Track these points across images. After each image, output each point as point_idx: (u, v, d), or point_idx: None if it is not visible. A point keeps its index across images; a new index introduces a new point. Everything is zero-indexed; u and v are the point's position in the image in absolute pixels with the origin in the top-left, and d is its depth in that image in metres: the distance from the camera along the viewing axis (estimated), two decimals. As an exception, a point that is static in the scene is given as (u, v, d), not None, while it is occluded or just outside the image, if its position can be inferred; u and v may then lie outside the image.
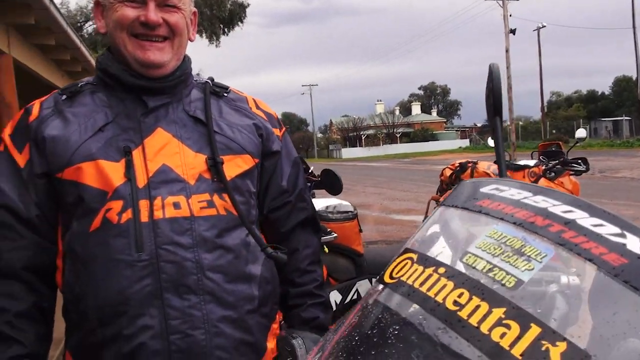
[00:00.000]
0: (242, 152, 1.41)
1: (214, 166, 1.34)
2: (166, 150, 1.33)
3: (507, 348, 0.73)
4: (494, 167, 5.15)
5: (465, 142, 64.17)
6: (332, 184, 2.91)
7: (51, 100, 1.39)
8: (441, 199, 5.65)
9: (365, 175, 28.24)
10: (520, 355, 0.72)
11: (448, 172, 5.67)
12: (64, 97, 1.39)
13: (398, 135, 72.28)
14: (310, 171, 3.19)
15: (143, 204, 1.27)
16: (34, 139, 1.33)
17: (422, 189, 17.72)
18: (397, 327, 0.87)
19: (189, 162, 1.33)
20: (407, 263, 0.95)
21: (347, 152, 68.60)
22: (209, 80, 1.49)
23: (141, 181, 1.29)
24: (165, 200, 1.28)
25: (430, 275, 0.89)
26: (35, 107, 1.38)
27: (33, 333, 1.31)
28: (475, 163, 5.38)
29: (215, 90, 1.48)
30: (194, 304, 1.27)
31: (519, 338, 0.74)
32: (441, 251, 0.96)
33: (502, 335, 0.75)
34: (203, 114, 1.40)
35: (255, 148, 1.45)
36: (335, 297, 3.01)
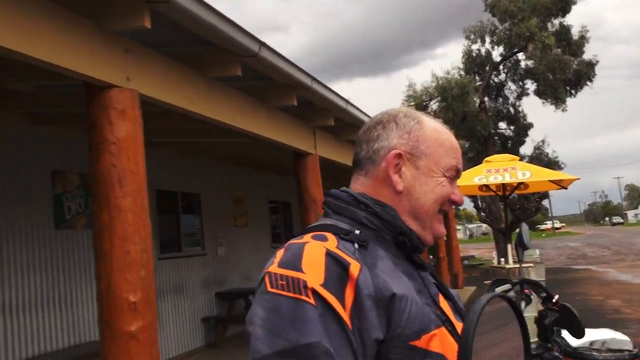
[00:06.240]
0: None
1: None
2: (452, 318, 1.22)
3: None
4: None
5: None
6: (570, 323, 2.30)
7: (347, 246, 1.11)
8: None
9: None
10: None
11: None
12: (356, 245, 1.12)
13: None
14: (554, 300, 2.47)
15: None
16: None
17: None
18: None
19: None
20: None
21: None
22: None
23: None
24: None
25: None
26: (339, 252, 1.07)
27: None
28: None
29: None
30: None
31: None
32: None
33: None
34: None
35: None
36: None
